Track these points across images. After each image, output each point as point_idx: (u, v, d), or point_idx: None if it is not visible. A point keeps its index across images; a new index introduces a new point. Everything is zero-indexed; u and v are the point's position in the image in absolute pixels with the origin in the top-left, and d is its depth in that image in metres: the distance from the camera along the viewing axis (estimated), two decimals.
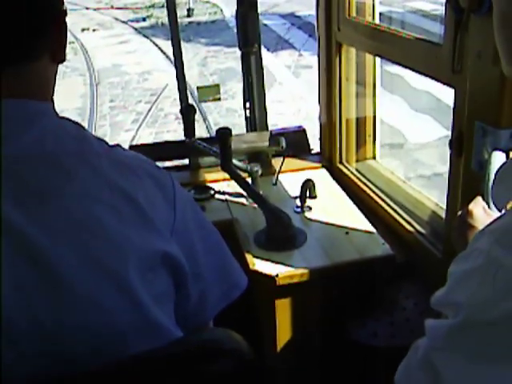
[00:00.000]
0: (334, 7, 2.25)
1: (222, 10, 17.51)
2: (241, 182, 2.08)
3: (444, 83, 1.65)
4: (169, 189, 1.01)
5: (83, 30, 17.25)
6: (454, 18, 1.49)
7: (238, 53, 2.52)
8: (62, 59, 0.99)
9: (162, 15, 16.11)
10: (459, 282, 0.77)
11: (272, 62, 12.09)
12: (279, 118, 7.72)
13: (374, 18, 2.22)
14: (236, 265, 1.16)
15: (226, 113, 8.81)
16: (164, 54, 12.61)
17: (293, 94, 9.71)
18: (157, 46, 13.78)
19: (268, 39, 13.70)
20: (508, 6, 0.79)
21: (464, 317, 0.73)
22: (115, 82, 11.82)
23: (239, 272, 1.16)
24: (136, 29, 16.69)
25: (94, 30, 17.38)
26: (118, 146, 1.02)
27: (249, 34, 2.40)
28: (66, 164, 0.90)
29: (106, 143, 1.00)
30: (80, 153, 0.93)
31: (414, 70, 1.85)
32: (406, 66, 1.89)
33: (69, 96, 10.84)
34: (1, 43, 0.87)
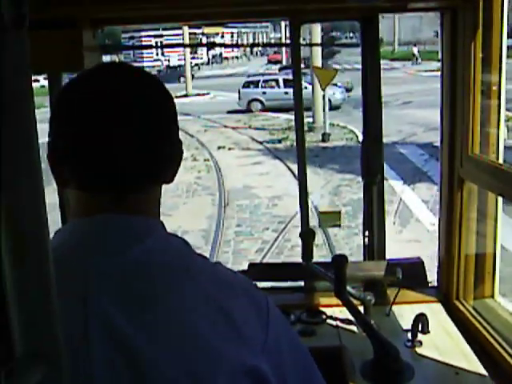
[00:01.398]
0: (457, 143, 2.36)
1: (357, 137, 17.87)
2: (353, 310, 2.16)
3: None
4: (263, 308, 1.11)
5: (219, 147, 18.16)
6: None
7: None
8: (170, 182, 1.18)
9: None
10: None
11: (409, 195, 11.98)
12: None
13: (497, 156, 2.30)
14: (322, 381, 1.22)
15: (357, 249, 8.41)
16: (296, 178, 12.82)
17: (431, 234, 9.29)
18: (290, 169, 13.92)
19: (405, 170, 13.68)
20: None
21: None
22: (244, 204, 12.14)
23: None
24: (271, 150, 17.28)
25: (229, 149, 18.26)
26: (219, 263, 1.16)
27: (371, 165, 2.56)
28: (170, 276, 1.06)
29: (208, 260, 1.15)
30: (184, 267, 1.08)
31: None
32: None
33: (196, 216, 11.14)
34: (140, 173, 1.08)
